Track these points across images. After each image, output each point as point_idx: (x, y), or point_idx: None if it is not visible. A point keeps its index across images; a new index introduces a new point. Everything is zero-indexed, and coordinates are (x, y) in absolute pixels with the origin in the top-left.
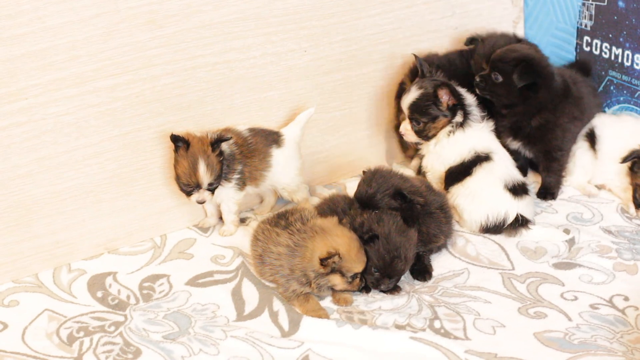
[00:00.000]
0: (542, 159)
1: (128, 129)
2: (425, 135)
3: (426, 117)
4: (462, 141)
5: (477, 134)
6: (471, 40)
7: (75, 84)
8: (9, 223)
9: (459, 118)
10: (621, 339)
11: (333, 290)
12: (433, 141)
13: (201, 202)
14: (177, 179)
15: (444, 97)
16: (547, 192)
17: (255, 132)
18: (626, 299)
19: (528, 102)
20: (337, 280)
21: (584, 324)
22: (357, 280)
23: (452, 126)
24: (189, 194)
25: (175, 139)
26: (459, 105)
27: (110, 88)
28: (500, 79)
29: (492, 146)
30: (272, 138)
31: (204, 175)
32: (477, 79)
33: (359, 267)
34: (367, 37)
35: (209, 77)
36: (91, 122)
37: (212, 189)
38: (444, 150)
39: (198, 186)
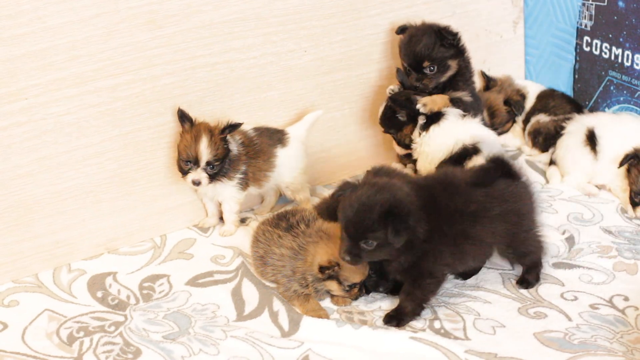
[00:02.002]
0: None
1: (128, 129)
2: (403, 143)
3: (393, 128)
4: (441, 134)
5: (458, 126)
6: (402, 29)
7: (76, 84)
8: (9, 223)
9: (421, 121)
10: (621, 339)
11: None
12: (417, 144)
13: (196, 184)
14: (178, 156)
15: (398, 108)
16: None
17: (261, 131)
18: (626, 299)
19: None
20: (333, 287)
21: (584, 324)
22: (355, 290)
23: (419, 128)
24: (185, 173)
25: (181, 114)
26: (415, 112)
27: (110, 88)
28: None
29: (479, 136)
30: (277, 137)
31: (204, 150)
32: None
33: (357, 278)
34: (367, 37)
35: (209, 77)
36: (91, 122)
37: (210, 172)
38: (428, 147)
39: (196, 162)
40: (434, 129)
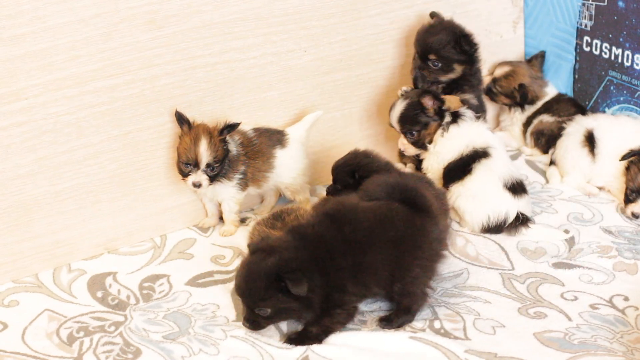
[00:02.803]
0: None
1: (128, 129)
2: (422, 144)
3: (418, 125)
4: (457, 136)
5: (473, 129)
6: (433, 15)
7: (75, 84)
8: (9, 223)
9: (447, 119)
10: (621, 339)
11: None
12: (432, 144)
13: (197, 186)
14: (178, 158)
15: (429, 102)
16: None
17: (260, 132)
18: (626, 299)
19: None
20: None
21: (584, 324)
22: None
23: (443, 127)
24: (186, 175)
25: (179, 116)
26: (444, 107)
27: (110, 88)
28: None
29: (490, 141)
30: (276, 138)
31: (204, 152)
32: None
33: None
34: (367, 37)
35: (209, 77)
36: (91, 122)
37: (210, 174)
38: (442, 148)
39: (196, 165)
40: (452, 129)
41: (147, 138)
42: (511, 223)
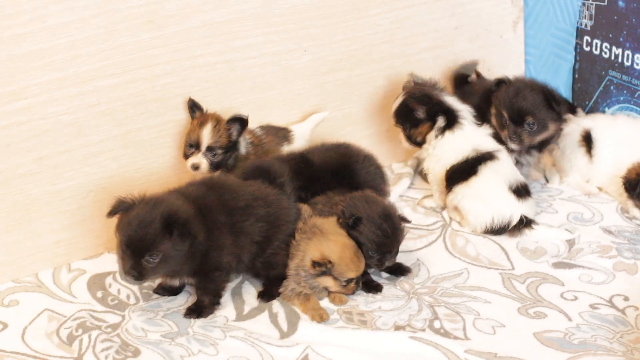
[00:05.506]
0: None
1: (128, 129)
2: (414, 140)
3: (408, 123)
4: (455, 142)
5: (472, 135)
6: (498, 83)
7: (75, 83)
8: (9, 223)
9: (440, 122)
10: (621, 339)
11: (328, 290)
12: (430, 145)
13: (195, 168)
14: (185, 142)
15: (415, 106)
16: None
17: (267, 130)
18: (626, 299)
19: None
20: (329, 283)
21: (583, 323)
22: (352, 284)
23: (437, 130)
24: (187, 157)
25: (192, 104)
26: (437, 111)
27: (110, 88)
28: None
29: (496, 145)
30: (282, 134)
31: (207, 134)
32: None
33: (352, 274)
34: (367, 37)
35: (209, 77)
36: (91, 121)
37: (211, 159)
38: (441, 152)
39: (198, 147)
40: (448, 135)
41: (147, 138)
42: (514, 226)
